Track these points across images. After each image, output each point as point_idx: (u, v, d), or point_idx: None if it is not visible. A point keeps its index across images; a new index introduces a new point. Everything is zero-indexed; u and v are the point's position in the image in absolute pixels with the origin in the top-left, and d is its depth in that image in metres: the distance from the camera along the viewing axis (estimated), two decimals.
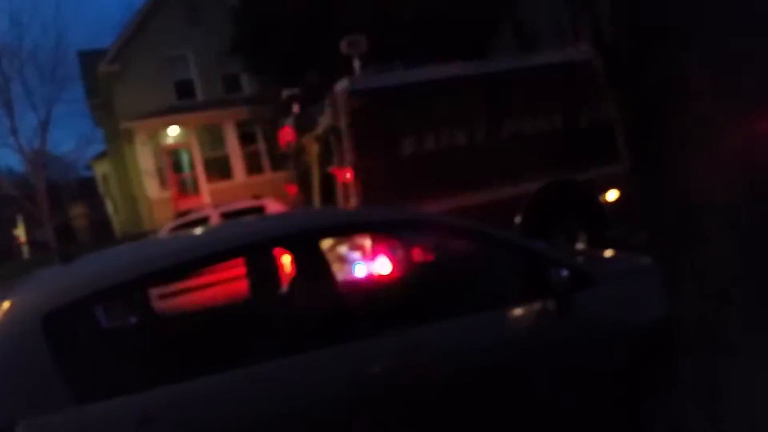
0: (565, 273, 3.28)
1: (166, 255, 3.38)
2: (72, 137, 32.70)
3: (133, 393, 2.86)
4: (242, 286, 4.23)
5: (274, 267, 3.67)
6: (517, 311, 3.42)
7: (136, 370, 3.12)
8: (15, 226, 22.29)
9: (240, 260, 3.94)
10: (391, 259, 5.15)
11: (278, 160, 16.30)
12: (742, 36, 1.77)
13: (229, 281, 6.22)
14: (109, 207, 28.40)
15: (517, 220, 8.27)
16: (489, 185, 8.04)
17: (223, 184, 22.65)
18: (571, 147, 8.32)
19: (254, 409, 2.94)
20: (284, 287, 3.51)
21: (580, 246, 8.45)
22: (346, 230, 3.96)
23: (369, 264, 5.93)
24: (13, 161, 20.62)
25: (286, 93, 9.48)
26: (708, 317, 1.87)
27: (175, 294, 10.67)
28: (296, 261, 3.34)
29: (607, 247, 5.00)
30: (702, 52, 1.79)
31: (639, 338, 3.36)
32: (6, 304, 2.97)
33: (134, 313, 4.22)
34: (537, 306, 3.36)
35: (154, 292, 10.68)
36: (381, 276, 5.02)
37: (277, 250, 3.44)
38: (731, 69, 1.77)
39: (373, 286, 4.46)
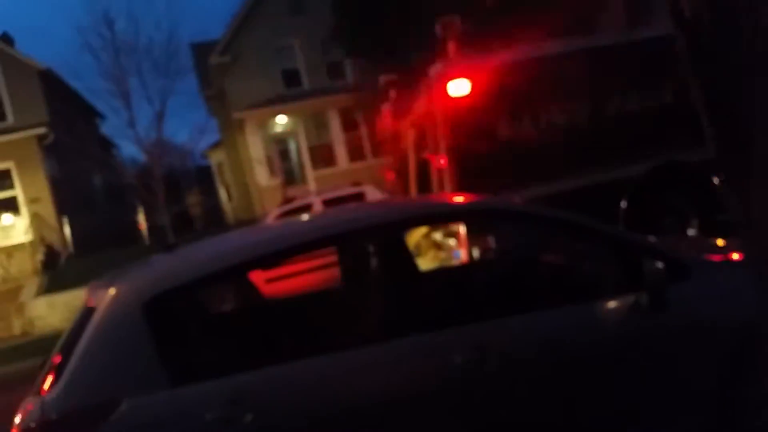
0: (659, 264, 3.12)
1: (261, 243, 3.50)
2: (187, 127, 34.25)
3: (224, 376, 2.99)
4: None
5: (362, 256, 3.71)
6: (609, 304, 3.30)
7: (229, 354, 3.26)
8: (136, 212, 23.76)
9: (331, 248, 4.02)
10: (480, 249, 5.09)
11: (379, 147, 16.46)
12: None
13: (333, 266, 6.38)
14: (222, 195, 29.68)
15: (623, 205, 7.92)
16: (592, 168, 7.73)
17: (327, 171, 23.16)
18: (682, 124, 7.83)
19: (340, 396, 3.01)
20: (371, 277, 3.55)
21: (691, 232, 8.01)
22: (425, 221, 3.96)
23: (462, 252, 5.90)
24: (135, 152, 22.09)
25: (382, 78, 9.53)
26: None
27: (283, 277, 11.08)
28: (382, 252, 3.36)
29: (720, 233, 4.72)
30: None
31: (738, 333, 3.16)
32: (112, 291, 3.17)
33: (234, 299, 4.41)
34: (629, 299, 3.22)
35: (260, 276, 11.13)
36: (470, 265, 4.97)
37: (363, 240, 3.47)
38: None
39: (461, 275, 4.43)
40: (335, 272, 4.20)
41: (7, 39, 25.31)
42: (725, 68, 1.78)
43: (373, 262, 3.53)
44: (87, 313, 3.19)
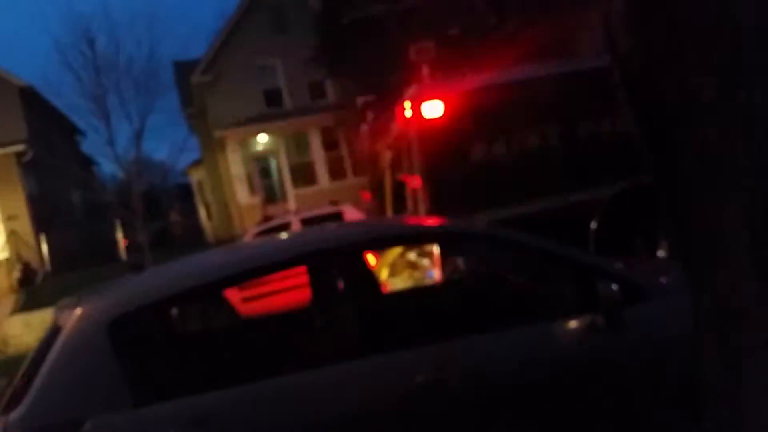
0: (614, 286, 3.22)
1: (228, 264, 3.56)
2: (167, 145, 34.19)
3: (188, 396, 3.03)
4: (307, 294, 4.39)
5: (330, 276, 3.78)
6: (565, 325, 3.38)
7: (194, 374, 3.30)
8: (115, 230, 23.65)
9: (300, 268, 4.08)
10: (450, 270, 5.17)
11: (359, 166, 16.58)
12: (752, 49, 1.72)
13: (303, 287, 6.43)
14: (202, 212, 29.59)
15: (593, 225, 8.05)
16: (564, 190, 7.86)
17: (307, 190, 23.22)
18: None
19: (303, 415, 3.06)
20: (337, 297, 3.61)
21: (660, 254, 8.16)
22: (385, 243, 4.04)
23: (435, 272, 5.97)
24: (116, 169, 22.01)
25: (361, 100, 9.64)
26: (725, 334, 1.83)
27: (256, 297, 11.09)
28: (344, 272, 3.43)
29: None
30: (712, 67, 1.76)
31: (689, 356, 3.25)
32: (78, 311, 3.21)
33: (203, 318, 4.45)
34: (586, 320, 3.31)
35: (234, 296, 11.14)
36: (434, 286, 5.05)
37: (329, 261, 3.54)
38: (743, 83, 1.73)
39: (426, 296, 4.50)
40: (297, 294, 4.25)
41: None
42: (657, 102, 1.88)
43: (338, 282, 3.60)
44: (54, 332, 3.23)
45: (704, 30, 1.76)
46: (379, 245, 4.07)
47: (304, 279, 4.06)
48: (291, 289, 9.54)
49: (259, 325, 4.33)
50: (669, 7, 1.79)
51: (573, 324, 3.37)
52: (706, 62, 1.77)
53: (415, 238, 3.99)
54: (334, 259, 3.40)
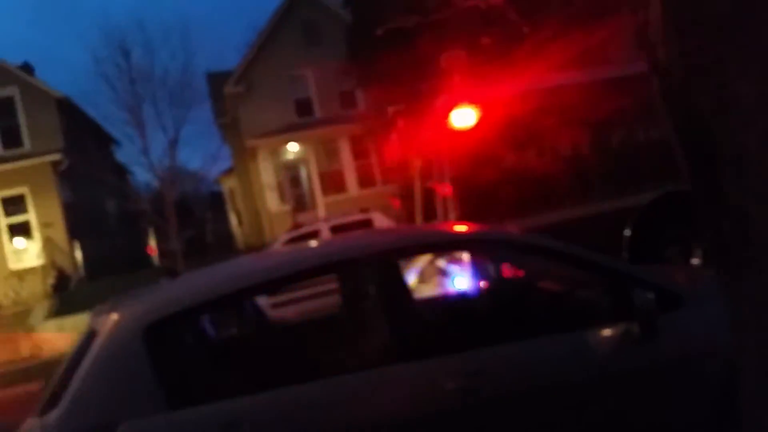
0: (649, 295, 3.17)
1: (262, 270, 3.59)
2: (200, 155, 34.65)
3: (221, 400, 3.05)
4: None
5: (361, 283, 3.78)
6: (602, 333, 3.34)
7: (227, 379, 3.33)
8: (148, 238, 24.02)
9: (330, 276, 4.09)
10: (478, 277, 5.14)
11: (388, 174, 16.60)
12: None
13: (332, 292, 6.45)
14: (233, 220, 29.88)
15: (627, 233, 7.95)
16: (597, 197, 7.79)
17: (337, 198, 23.33)
18: None
19: (335, 421, 3.06)
20: (368, 304, 3.61)
21: (694, 261, 8.02)
22: (418, 250, 4.03)
23: (464, 279, 5.94)
24: (149, 178, 22.40)
25: (391, 109, 9.67)
26: (764, 343, 1.79)
27: (288, 303, 11.15)
28: (376, 280, 3.43)
29: None
30: (752, 76, 1.73)
31: (729, 363, 3.19)
32: (113, 316, 3.25)
33: (237, 324, 4.48)
34: (621, 328, 3.27)
35: (266, 301, 11.23)
36: (466, 293, 5.02)
37: (361, 268, 3.54)
38: None
39: (458, 303, 4.48)
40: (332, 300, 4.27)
41: (27, 68, 25.87)
42: (695, 111, 1.86)
43: (371, 289, 3.60)
44: (89, 337, 3.27)
45: (744, 38, 1.74)
46: (412, 252, 4.06)
47: (333, 284, 4.07)
48: (320, 295, 9.62)
49: (291, 331, 4.35)
50: (709, 15, 1.77)
51: (608, 332, 3.33)
52: (746, 71, 1.75)
53: (448, 246, 3.98)
54: (366, 267, 3.41)
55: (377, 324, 3.41)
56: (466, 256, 6.51)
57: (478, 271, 5.26)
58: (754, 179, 1.79)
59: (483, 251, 4.23)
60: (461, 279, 6.67)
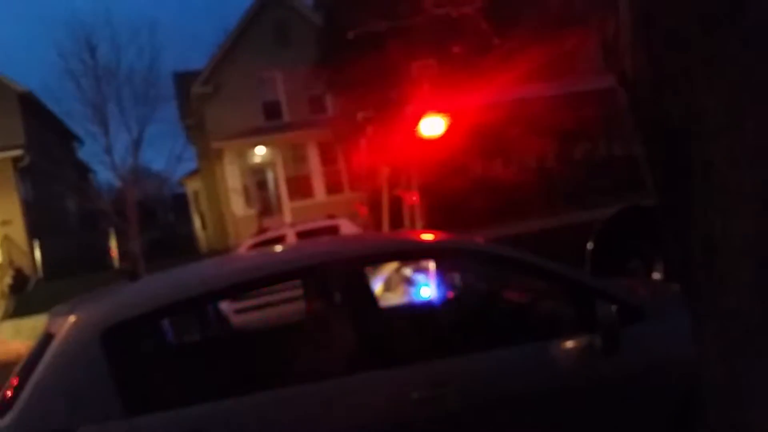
0: (612, 307, 3.21)
1: (223, 275, 3.54)
2: (165, 155, 34.17)
3: (180, 407, 3.00)
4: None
5: (325, 290, 3.76)
6: (564, 344, 3.36)
7: (186, 385, 3.27)
8: (109, 239, 23.58)
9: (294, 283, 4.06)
10: (444, 286, 5.16)
11: (357, 180, 16.58)
12: (764, 75, 1.72)
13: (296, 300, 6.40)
14: (196, 222, 29.53)
15: (589, 246, 8.06)
16: (561, 209, 7.89)
17: (304, 203, 23.21)
18: None
19: (295, 430, 3.02)
20: (333, 311, 3.59)
21: (656, 275, 8.16)
22: (381, 258, 4.03)
23: (430, 288, 5.95)
24: (112, 177, 21.88)
25: (360, 115, 9.67)
26: (728, 360, 1.81)
27: (250, 309, 11.04)
28: (341, 287, 3.41)
29: None
30: (721, 90, 1.75)
31: (690, 376, 3.24)
32: (71, 318, 3.17)
33: (197, 329, 4.41)
34: (583, 340, 3.29)
35: (229, 307, 11.09)
36: (432, 302, 5.03)
37: (325, 275, 3.52)
38: (752, 111, 1.73)
39: (423, 312, 4.48)
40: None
41: None
42: (663, 122, 1.88)
43: (336, 296, 3.58)
44: (46, 340, 3.19)
45: (712, 51, 1.76)
46: (378, 260, 4.05)
47: (297, 292, 4.04)
48: (283, 302, 9.54)
49: (253, 338, 4.30)
50: (679, 25, 1.79)
51: (570, 344, 3.35)
52: (715, 85, 1.77)
53: (414, 254, 3.97)
54: (331, 274, 3.39)
55: (342, 332, 3.39)
56: (432, 265, 6.53)
57: (444, 280, 5.27)
58: (720, 193, 1.80)
59: (448, 260, 4.24)
60: (427, 288, 6.69)
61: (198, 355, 3.89)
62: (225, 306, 11.00)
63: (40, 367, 3.01)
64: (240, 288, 3.61)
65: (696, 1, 1.78)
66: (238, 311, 11.20)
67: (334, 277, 3.40)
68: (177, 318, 3.89)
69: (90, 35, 21.16)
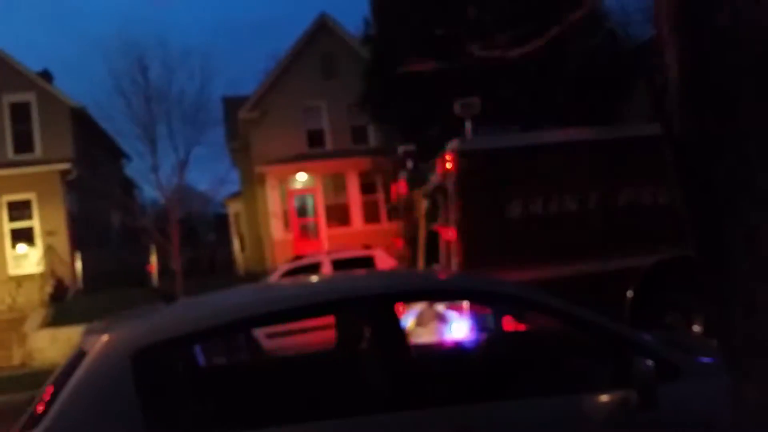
0: (650, 363, 3.11)
1: (257, 304, 3.55)
2: (209, 176, 34.74)
3: None
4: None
5: (354, 325, 3.74)
6: (597, 398, 3.27)
7: (210, 412, 3.27)
8: (149, 255, 23.98)
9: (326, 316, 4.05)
10: (476, 327, 5.10)
11: (394, 212, 16.61)
12: None
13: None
14: (236, 244, 29.87)
15: (629, 294, 7.90)
16: (600, 255, 7.75)
17: (341, 230, 23.33)
18: None
19: None
20: (361, 348, 3.57)
21: (696, 329, 7.94)
22: (414, 297, 3.99)
23: (462, 326, 5.89)
24: (157, 195, 22.39)
25: (401, 148, 9.71)
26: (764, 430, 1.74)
27: (282, 334, 11.04)
28: (372, 322, 3.39)
29: None
30: None
31: None
32: (104, 338, 3.21)
33: (229, 354, 4.43)
34: (618, 395, 3.20)
35: (262, 330, 11.09)
36: (462, 344, 4.97)
37: (355, 310, 3.51)
38: None
39: (452, 353, 4.43)
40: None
41: (47, 75, 26.16)
42: (708, 186, 1.83)
43: (364, 332, 3.55)
44: (78, 357, 3.23)
45: (766, 122, 1.72)
46: (409, 298, 4.02)
47: (330, 319, 4.03)
48: (317, 329, 9.53)
49: (281, 366, 4.29)
50: (730, 93, 1.75)
51: (604, 398, 3.26)
52: (764, 153, 1.72)
53: (444, 294, 3.93)
54: (363, 309, 3.37)
55: (370, 368, 3.36)
56: (465, 303, 6.47)
57: (477, 320, 5.21)
58: (764, 261, 1.75)
59: (479, 302, 4.18)
60: (459, 326, 6.61)
61: (225, 381, 3.89)
62: (257, 330, 11.07)
63: (70, 384, 3.04)
64: (271, 318, 3.60)
65: (750, 63, 1.74)
66: (270, 336, 11.23)
67: (362, 313, 3.38)
68: (208, 344, 3.91)
69: (143, 56, 21.81)
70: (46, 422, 2.98)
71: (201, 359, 4.04)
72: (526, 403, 3.23)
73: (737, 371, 1.88)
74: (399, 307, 3.83)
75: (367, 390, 3.32)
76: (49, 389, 3.23)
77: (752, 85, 1.74)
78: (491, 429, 3.11)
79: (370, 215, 23.98)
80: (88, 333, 3.40)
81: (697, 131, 1.84)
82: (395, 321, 3.36)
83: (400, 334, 3.36)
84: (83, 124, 24.64)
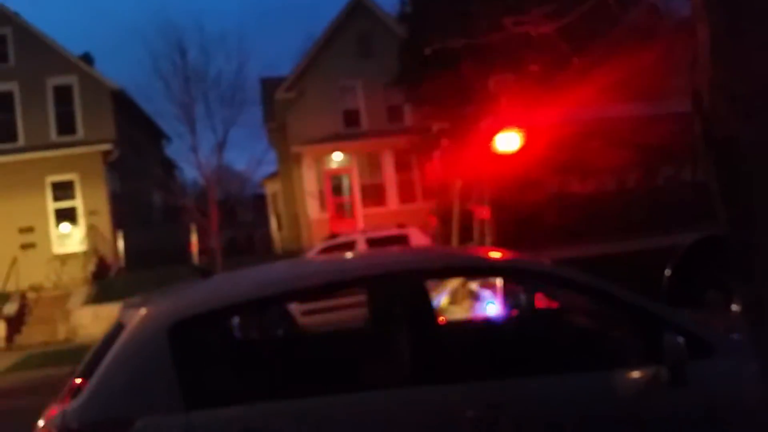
0: (680, 339, 3.09)
1: (291, 279, 3.61)
2: (247, 156, 35.05)
3: (240, 405, 3.07)
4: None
5: (386, 301, 3.78)
6: (626, 375, 3.26)
7: (248, 384, 3.35)
8: (190, 234, 24.36)
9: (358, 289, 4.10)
10: (509, 305, 5.09)
11: (429, 191, 16.59)
12: None
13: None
14: (273, 223, 30.19)
15: (667, 272, 7.77)
16: (639, 233, 7.63)
17: (377, 210, 23.39)
18: None
19: None
20: (392, 323, 3.60)
21: (734, 307, 7.79)
22: (447, 273, 4.00)
23: (495, 304, 5.89)
24: (197, 175, 22.79)
25: (436, 127, 9.67)
26: None
27: (318, 311, 11.18)
28: (402, 299, 3.42)
29: None
30: None
31: (757, 416, 3.08)
32: (142, 311, 3.30)
33: (265, 329, 4.51)
34: (649, 372, 3.19)
35: (298, 308, 11.24)
36: (494, 321, 4.97)
37: (387, 286, 3.53)
38: None
39: (484, 330, 4.43)
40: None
41: (88, 58, 26.62)
42: (737, 159, 1.81)
43: (396, 308, 3.58)
44: (117, 330, 3.33)
45: None
46: (439, 275, 4.04)
47: (364, 296, 4.07)
48: (351, 306, 9.62)
49: (315, 341, 4.36)
50: (759, 64, 1.72)
51: (635, 374, 3.25)
52: None
53: (477, 271, 3.94)
54: (394, 285, 3.40)
55: (400, 344, 3.40)
56: (498, 281, 6.45)
57: (510, 298, 5.20)
58: None
59: (512, 280, 4.18)
60: (492, 304, 6.61)
61: (260, 356, 3.97)
62: (293, 307, 11.22)
63: (109, 357, 3.13)
64: (304, 293, 3.67)
65: None
66: (305, 313, 11.38)
67: (394, 288, 3.41)
68: (243, 317, 3.99)
69: (181, 38, 22.02)
70: (85, 393, 3.08)
71: (238, 333, 4.13)
72: (556, 379, 3.24)
73: (761, 344, 1.86)
74: (429, 284, 3.85)
75: (396, 364, 3.35)
76: (88, 363, 3.33)
77: None
78: (520, 404, 3.13)
79: (406, 195, 23.98)
80: (126, 307, 3.50)
81: (727, 105, 1.81)
82: (425, 297, 3.38)
83: (429, 310, 3.38)
84: (124, 106, 25.05)
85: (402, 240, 11.83)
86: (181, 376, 3.08)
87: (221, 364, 3.51)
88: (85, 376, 3.22)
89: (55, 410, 3.18)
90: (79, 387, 3.19)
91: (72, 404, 3.09)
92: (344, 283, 3.57)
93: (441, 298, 7.32)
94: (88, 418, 3.03)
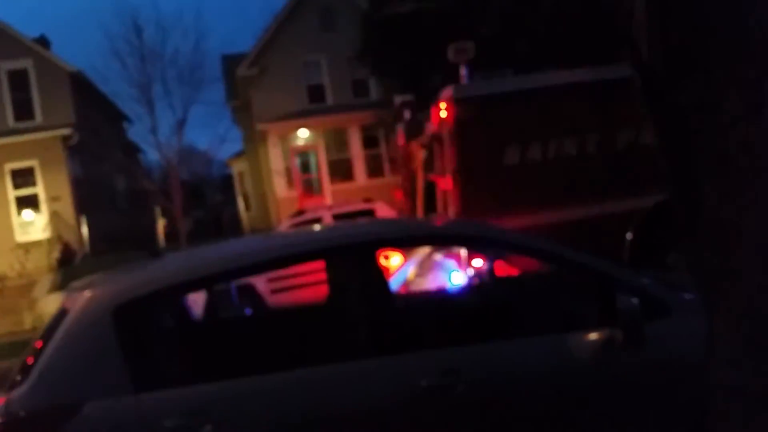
0: (635, 300, 3.07)
1: (238, 255, 3.52)
2: (212, 136, 34.62)
3: (188, 385, 3.00)
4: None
5: (341, 274, 3.71)
6: (583, 337, 3.25)
7: (195, 364, 3.27)
8: (155, 217, 24.09)
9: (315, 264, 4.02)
10: (467, 273, 5.07)
11: (396, 165, 16.51)
12: None
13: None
14: (240, 203, 29.93)
15: (629, 236, 7.83)
16: (600, 199, 7.66)
17: (345, 186, 23.27)
18: None
19: (302, 412, 2.99)
20: (346, 296, 3.54)
21: None
22: (403, 243, 3.95)
23: (457, 274, 5.86)
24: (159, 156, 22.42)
25: (398, 99, 9.58)
26: (736, 359, 1.70)
27: (287, 289, 11.08)
28: (355, 270, 3.36)
29: None
30: (738, 80, 1.63)
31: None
32: (86, 294, 3.20)
33: (210, 309, 4.39)
34: (603, 334, 3.17)
35: (266, 287, 11.13)
36: (450, 289, 4.95)
37: (338, 258, 3.47)
38: None
39: (440, 299, 4.41)
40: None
41: (43, 41, 25.87)
42: (678, 113, 1.76)
43: (350, 280, 3.52)
44: (61, 315, 3.22)
45: (732, 42, 1.63)
46: (392, 245, 3.98)
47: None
48: (317, 283, 9.55)
49: (273, 318, 4.29)
50: (696, 15, 1.66)
51: (591, 337, 3.23)
52: (732, 75, 1.64)
53: (426, 240, 3.89)
54: (346, 257, 3.33)
55: (355, 316, 3.34)
56: (462, 251, 6.44)
57: (469, 267, 5.18)
58: (734, 186, 1.69)
59: (467, 247, 4.14)
60: (456, 273, 6.60)
61: (208, 335, 3.89)
62: (262, 286, 11.12)
63: (53, 342, 3.04)
64: (256, 268, 3.58)
65: None
66: (275, 291, 11.29)
67: (346, 261, 3.34)
68: (191, 295, 3.89)
69: (137, 16, 21.53)
70: (30, 379, 2.99)
71: (184, 314, 4.02)
72: (513, 344, 3.22)
73: (709, 304, 1.83)
74: (382, 254, 3.79)
75: (352, 337, 3.30)
76: (33, 349, 3.23)
77: (718, 11, 1.66)
78: (477, 370, 3.10)
79: (373, 169, 23.88)
80: (70, 291, 3.39)
81: (666, 58, 1.75)
82: (375, 268, 3.32)
83: (381, 280, 3.32)
84: (82, 89, 24.46)
85: (368, 214, 11.77)
86: (129, 358, 3.00)
87: (169, 344, 3.43)
88: (30, 363, 3.12)
89: (1, 399, 3.07)
90: (25, 374, 3.09)
91: (17, 391, 2.99)
92: (298, 256, 3.49)
93: (408, 270, 7.29)
94: (32, 404, 2.94)
